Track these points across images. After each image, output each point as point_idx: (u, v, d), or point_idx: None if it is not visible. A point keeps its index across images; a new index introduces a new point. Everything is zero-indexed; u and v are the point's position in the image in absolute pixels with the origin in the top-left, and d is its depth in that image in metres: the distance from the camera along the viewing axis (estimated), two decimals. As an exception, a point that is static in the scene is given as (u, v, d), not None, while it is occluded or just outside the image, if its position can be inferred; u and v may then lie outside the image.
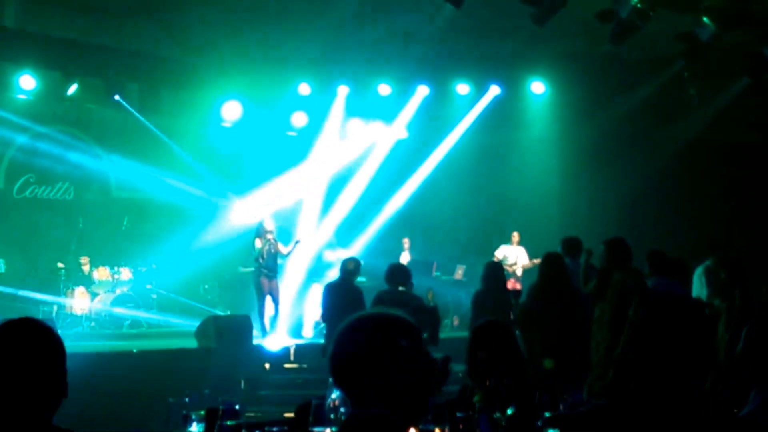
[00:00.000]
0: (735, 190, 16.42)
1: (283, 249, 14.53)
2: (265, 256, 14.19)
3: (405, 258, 17.11)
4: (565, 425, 2.80)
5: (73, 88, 16.11)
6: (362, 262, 11.67)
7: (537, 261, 13.95)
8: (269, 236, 14.30)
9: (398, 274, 10.39)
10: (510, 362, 4.75)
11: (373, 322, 2.55)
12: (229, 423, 3.37)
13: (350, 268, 11.08)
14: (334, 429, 3.53)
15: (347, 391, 2.53)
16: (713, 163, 16.87)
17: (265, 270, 14.24)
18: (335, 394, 3.80)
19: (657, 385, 2.74)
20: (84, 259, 16.49)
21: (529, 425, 3.87)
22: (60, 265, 16.09)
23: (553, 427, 3.70)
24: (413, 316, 2.62)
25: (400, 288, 10.24)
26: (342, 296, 10.68)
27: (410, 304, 9.57)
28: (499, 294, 10.01)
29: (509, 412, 3.84)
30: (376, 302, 9.92)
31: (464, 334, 6.67)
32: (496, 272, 10.38)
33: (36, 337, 2.79)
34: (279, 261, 14.67)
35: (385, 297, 9.84)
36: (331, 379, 4.04)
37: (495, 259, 17.01)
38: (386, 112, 18.67)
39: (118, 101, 16.34)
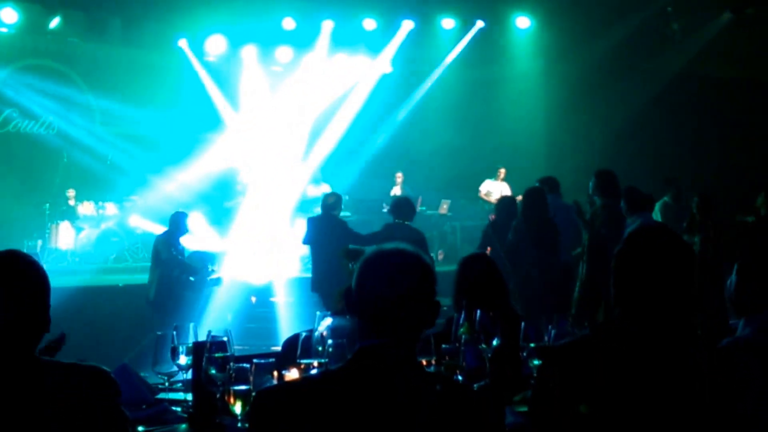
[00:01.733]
0: (718, 124, 16.48)
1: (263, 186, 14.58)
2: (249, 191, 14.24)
3: (396, 192, 17.13)
4: (550, 356, 2.83)
5: (55, 22, 15.94)
6: (345, 198, 11.75)
7: (520, 197, 13.97)
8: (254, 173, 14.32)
9: (405, 208, 10.47)
10: (496, 295, 4.80)
11: (402, 257, 2.57)
12: (217, 355, 3.39)
13: (330, 203, 11.07)
14: (321, 360, 3.57)
15: (367, 322, 2.53)
16: (696, 97, 16.90)
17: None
18: (323, 327, 3.85)
19: (640, 314, 2.78)
20: (70, 192, 16.43)
21: (514, 356, 3.93)
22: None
23: (538, 358, 3.75)
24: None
25: (406, 222, 10.34)
26: (326, 229, 10.70)
27: (416, 239, 9.68)
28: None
29: (494, 343, 3.89)
30: (385, 235, 9.99)
31: (449, 267, 6.73)
32: (510, 206, 10.30)
33: (21, 269, 2.80)
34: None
35: (396, 232, 9.90)
36: (319, 312, 4.10)
37: (480, 194, 17.09)
38: (371, 46, 18.55)
39: (100, 35, 16.18)
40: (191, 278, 11.59)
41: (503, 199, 10.70)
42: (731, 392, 2.74)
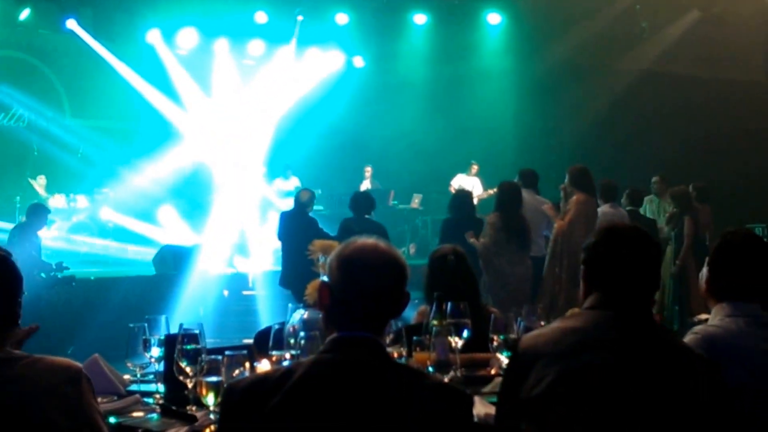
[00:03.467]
0: (684, 122, 16.61)
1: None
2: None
3: (365, 186, 17.14)
4: (521, 346, 2.87)
5: (25, 13, 15.81)
6: (318, 192, 11.76)
7: (491, 192, 13.99)
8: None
9: (364, 202, 10.45)
10: (466, 287, 4.84)
11: (381, 249, 2.58)
12: (189, 347, 3.40)
13: (304, 200, 11.08)
14: (294, 353, 3.58)
15: (345, 313, 2.54)
16: (663, 94, 17.04)
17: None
18: (295, 319, 3.86)
19: (605, 306, 2.84)
20: (41, 179, 16.29)
21: (484, 348, 3.97)
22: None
23: (508, 350, 3.80)
24: None
25: (366, 216, 10.32)
26: (297, 225, 10.70)
27: (377, 231, 9.60)
28: (469, 222, 9.85)
29: (465, 336, 3.93)
30: (343, 230, 9.94)
31: (421, 261, 6.76)
32: (467, 201, 10.32)
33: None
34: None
35: (353, 226, 9.85)
36: (291, 305, 4.11)
37: (451, 188, 17.12)
38: (343, 41, 18.55)
39: (71, 27, 16.07)
40: (42, 275, 11.23)
41: (459, 195, 10.60)
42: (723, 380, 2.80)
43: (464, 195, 10.48)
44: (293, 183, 16.97)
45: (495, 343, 3.91)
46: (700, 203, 11.50)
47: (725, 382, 2.78)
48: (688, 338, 3.27)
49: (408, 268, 2.60)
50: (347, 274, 2.55)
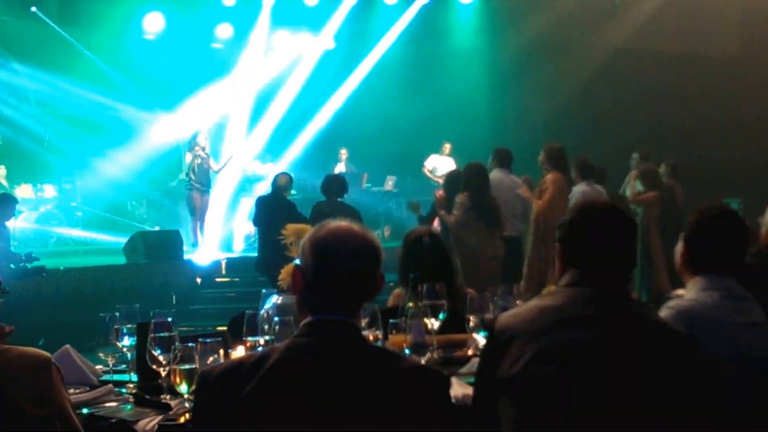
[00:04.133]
0: (658, 99, 16.66)
1: (214, 165, 14.40)
2: (196, 170, 14.06)
3: (340, 169, 17.09)
4: (495, 328, 2.85)
5: (-13, 0, 15.63)
6: (293, 176, 11.72)
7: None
8: (200, 151, 14.14)
9: (336, 185, 10.40)
10: (441, 269, 4.81)
11: (356, 232, 2.54)
12: (161, 335, 3.36)
13: (282, 184, 11.04)
14: (268, 339, 3.55)
15: (319, 296, 2.50)
16: (637, 71, 17.07)
17: (197, 185, 14.14)
18: (269, 305, 3.83)
19: (582, 283, 2.82)
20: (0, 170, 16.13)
21: (461, 329, 3.95)
22: None
23: (484, 330, 3.77)
24: None
25: (338, 199, 10.27)
26: (274, 210, 10.65)
27: (351, 215, 9.57)
28: None
29: (441, 317, 3.91)
30: (316, 214, 9.89)
31: (395, 243, 6.74)
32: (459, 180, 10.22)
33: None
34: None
35: (325, 209, 9.81)
36: (264, 290, 4.07)
37: (425, 169, 17.11)
38: (313, 22, 18.45)
39: (35, 13, 15.88)
40: (11, 266, 11.09)
41: (451, 174, 10.62)
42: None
43: (457, 174, 10.47)
44: (268, 167, 16.87)
45: (471, 324, 3.89)
46: (672, 180, 11.56)
47: (704, 355, 2.78)
48: (663, 313, 3.27)
49: (382, 250, 2.57)
50: (321, 257, 2.50)
